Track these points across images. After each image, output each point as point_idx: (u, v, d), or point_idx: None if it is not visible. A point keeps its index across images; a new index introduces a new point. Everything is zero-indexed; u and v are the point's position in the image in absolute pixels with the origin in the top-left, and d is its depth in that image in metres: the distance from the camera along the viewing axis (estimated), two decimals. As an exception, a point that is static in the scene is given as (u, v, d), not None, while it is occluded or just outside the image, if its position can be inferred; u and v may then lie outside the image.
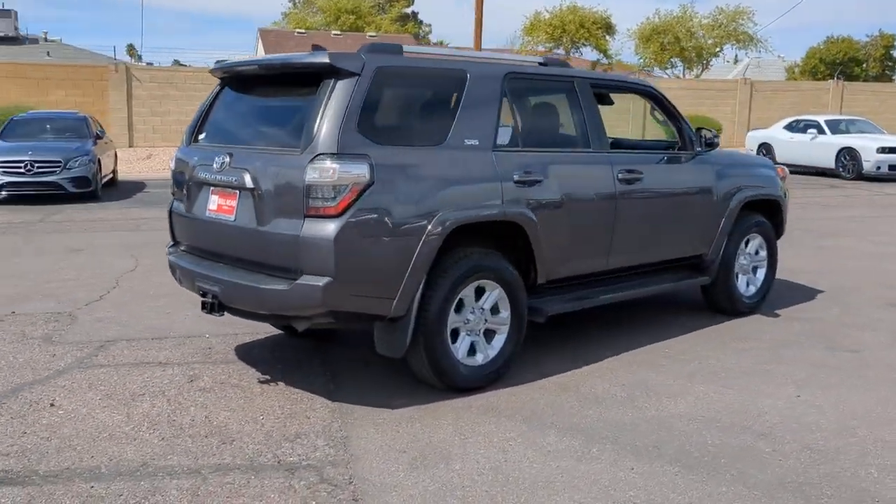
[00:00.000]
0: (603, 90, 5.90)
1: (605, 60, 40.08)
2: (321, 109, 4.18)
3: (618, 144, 6.64)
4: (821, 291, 7.47)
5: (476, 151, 4.65)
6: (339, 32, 45.12)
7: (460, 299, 4.61)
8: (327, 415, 4.37)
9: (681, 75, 39.07)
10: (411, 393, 4.65)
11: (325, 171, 4.07)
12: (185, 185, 4.93)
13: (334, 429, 4.18)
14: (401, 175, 4.29)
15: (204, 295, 4.62)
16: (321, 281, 4.08)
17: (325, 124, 4.14)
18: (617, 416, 4.38)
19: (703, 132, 5.97)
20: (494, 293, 4.75)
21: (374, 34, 44.72)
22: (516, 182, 4.75)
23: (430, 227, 4.31)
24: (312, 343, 5.64)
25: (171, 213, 5.18)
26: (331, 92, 4.23)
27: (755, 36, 38.33)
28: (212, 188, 4.68)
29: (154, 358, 5.30)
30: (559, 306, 5.15)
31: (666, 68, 39.49)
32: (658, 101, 5.96)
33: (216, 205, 4.65)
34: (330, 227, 4.07)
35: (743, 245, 6.47)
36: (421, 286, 4.36)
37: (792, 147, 21.54)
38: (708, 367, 5.23)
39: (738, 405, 4.57)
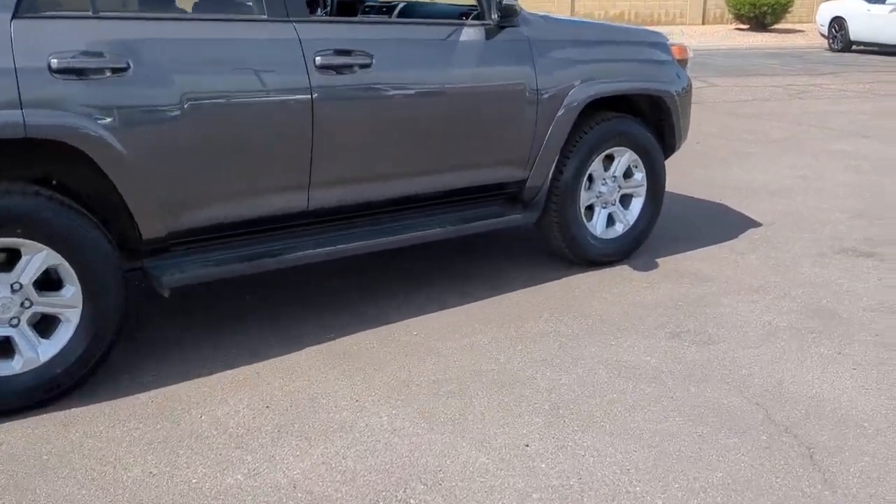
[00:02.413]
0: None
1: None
2: None
3: (406, 12, 4.50)
4: (758, 225, 5.25)
5: (-30, 19, 2.72)
6: None
7: (-42, 272, 2.80)
8: None
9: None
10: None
11: None
12: None
13: None
14: None
15: None
16: None
17: None
18: (138, 486, 2.54)
19: (502, -10, 3.75)
20: (39, 258, 2.90)
21: None
22: (55, 71, 2.80)
23: None
24: None
25: None
26: None
27: None
28: None
29: None
30: (192, 273, 3.24)
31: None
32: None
33: None
34: None
35: (598, 165, 4.32)
36: None
37: (869, 22, 18.09)
38: (434, 373, 3.27)
39: (402, 459, 2.64)
